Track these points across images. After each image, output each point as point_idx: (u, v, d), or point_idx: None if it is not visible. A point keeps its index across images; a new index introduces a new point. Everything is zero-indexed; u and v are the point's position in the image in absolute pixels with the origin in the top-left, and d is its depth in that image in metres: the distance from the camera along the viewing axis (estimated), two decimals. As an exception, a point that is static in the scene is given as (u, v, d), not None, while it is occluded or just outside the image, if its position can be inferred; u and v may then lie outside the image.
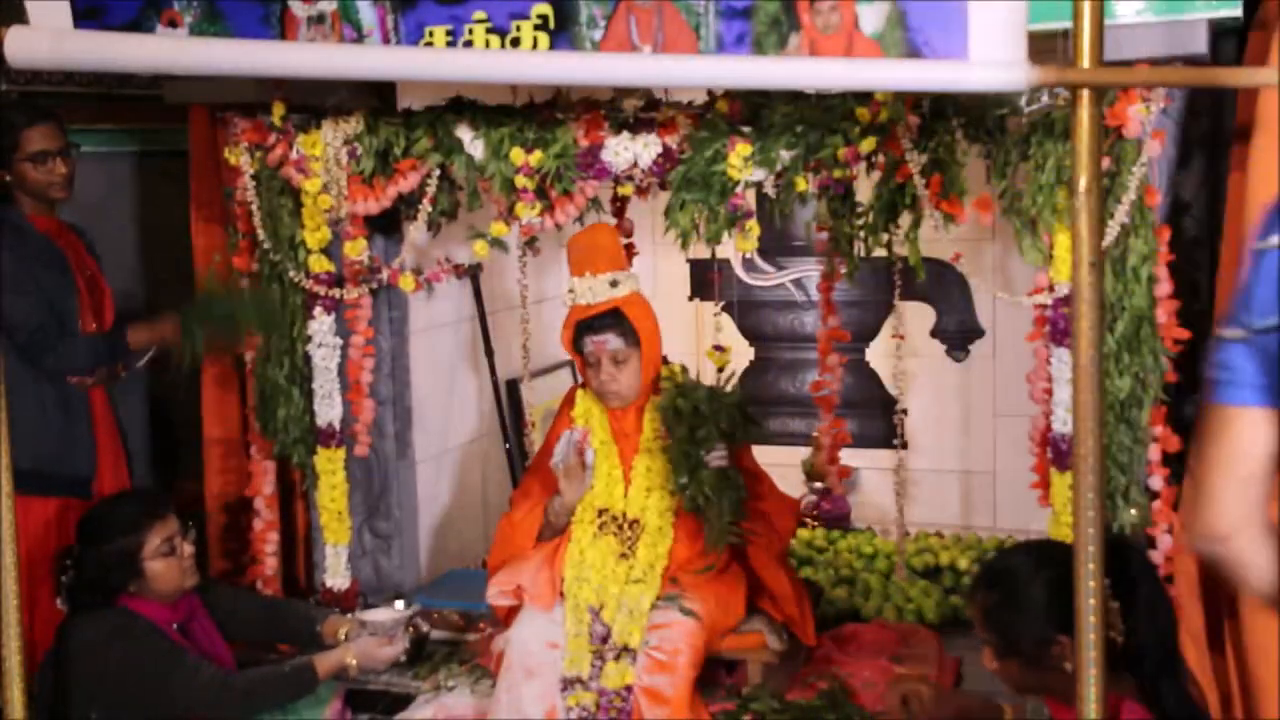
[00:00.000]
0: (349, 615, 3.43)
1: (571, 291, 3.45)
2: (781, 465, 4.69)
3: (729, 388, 3.35)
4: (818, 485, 4.84)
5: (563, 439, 3.44)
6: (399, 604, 3.80)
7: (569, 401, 3.62)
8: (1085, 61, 1.68)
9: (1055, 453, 3.10)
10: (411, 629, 3.71)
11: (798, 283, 5.08)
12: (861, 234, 3.31)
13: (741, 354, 5.15)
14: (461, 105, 3.50)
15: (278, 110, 3.60)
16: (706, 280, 5.06)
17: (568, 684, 3.22)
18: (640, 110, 3.39)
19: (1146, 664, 2.23)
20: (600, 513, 3.44)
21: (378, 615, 3.33)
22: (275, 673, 3.10)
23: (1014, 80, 1.85)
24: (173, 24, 3.11)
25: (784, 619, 3.44)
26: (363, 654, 3.17)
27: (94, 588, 3.04)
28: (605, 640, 3.24)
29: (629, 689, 3.18)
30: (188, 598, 3.17)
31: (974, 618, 2.39)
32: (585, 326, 3.41)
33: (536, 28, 2.95)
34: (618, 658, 3.21)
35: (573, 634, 3.26)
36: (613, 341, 3.40)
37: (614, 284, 3.43)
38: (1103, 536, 1.66)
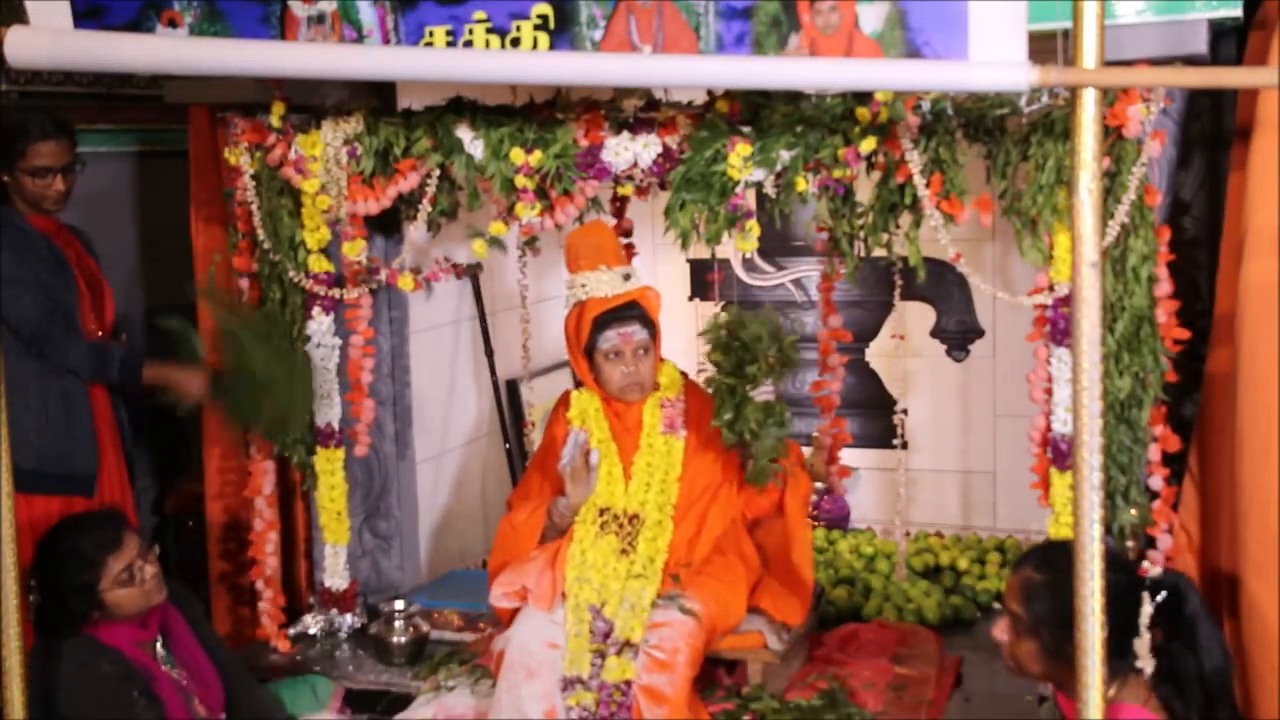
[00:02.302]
0: None
1: (583, 286, 3.43)
2: (781, 465, 4.70)
3: (776, 323, 3.32)
4: (818, 485, 4.84)
5: (570, 440, 3.43)
6: (399, 604, 3.80)
7: (563, 404, 3.61)
8: (1086, 61, 1.68)
9: (1055, 453, 3.10)
10: (412, 629, 3.71)
11: (798, 283, 5.08)
12: (861, 234, 3.31)
13: (741, 354, 5.15)
14: (461, 105, 3.50)
15: (276, 110, 3.60)
16: (706, 280, 5.06)
17: (568, 684, 3.22)
18: (640, 110, 3.39)
19: (1200, 708, 2.26)
20: (602, 512, 3.43)
21: None
22: None
23: (1015, 80, 1.85)
24: (173, 24, 3.11)
25: (790, 591, 3.41)
26: None
27: (56, 617, 2.93)
28: (607, 636, 3.24)
29: (628, 684, 3.18)
30: (159, 610, 3.06)
31: (1011, 589, 2.39)
32: (610, 319, 3.40)
33: (536, 28, 2.95)
34: (619, 652, 3.21)
35: (573, 634, 3.25)
36: (639, 332, 3.41)
37: (627, 277, 3.45)
38: (1103, 537, 1.66)
